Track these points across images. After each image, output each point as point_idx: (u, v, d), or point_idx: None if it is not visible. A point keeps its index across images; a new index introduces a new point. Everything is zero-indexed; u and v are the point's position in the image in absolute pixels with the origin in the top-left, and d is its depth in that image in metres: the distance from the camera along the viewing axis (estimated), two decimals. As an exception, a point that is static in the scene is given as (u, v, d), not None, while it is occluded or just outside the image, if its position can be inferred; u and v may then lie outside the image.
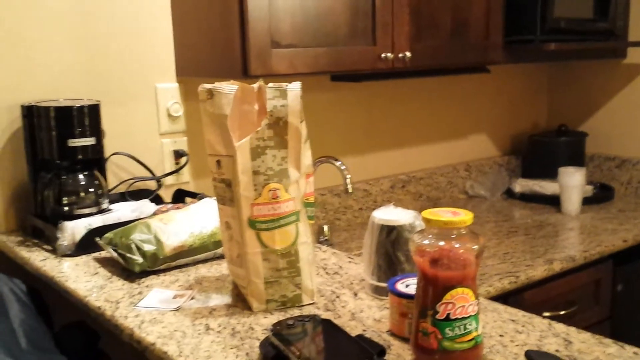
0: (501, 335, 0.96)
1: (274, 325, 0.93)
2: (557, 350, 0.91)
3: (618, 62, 2.55)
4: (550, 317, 1.84)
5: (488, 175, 2.60)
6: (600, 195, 2.44)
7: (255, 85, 1.06)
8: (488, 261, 1.82)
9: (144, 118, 1.76)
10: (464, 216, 0.86)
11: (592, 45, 2.33)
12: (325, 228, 2.04)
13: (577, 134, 2.63)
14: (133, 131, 1.74)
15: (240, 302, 1.12)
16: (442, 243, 0.86)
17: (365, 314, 1.06)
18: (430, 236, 0.87)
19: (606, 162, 2.64)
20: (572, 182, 2.27)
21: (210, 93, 1.04)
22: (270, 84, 1.05)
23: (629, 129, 2.57)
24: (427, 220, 0.87)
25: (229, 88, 1.03)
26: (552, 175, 2.37)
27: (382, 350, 0.90)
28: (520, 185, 2.52)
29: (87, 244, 1.38)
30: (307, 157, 1.08)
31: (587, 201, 2.33)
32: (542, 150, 2.60)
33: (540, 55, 2.27)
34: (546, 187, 2.44)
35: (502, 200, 2.53)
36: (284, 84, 1.05)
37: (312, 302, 1.10)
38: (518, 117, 2.76)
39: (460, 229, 0.86)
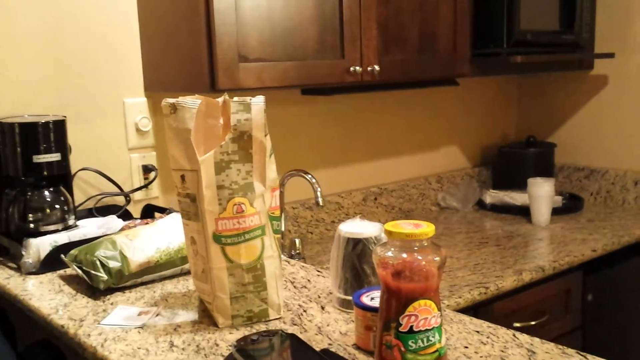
0: (466, 347, 0.97)
1: (238, 341, 0.93)
2: (520, 361, 0.91)
3: (585, 74, 2.60)
4: (521, 328, 1.86)
5: (459, 187, 2.62)
6: (569, 206, 2.48)
7: (220, 99, 1.06)
8: (458, 272, 1.83)
9: (113, 133, 1.74)
10: (426, 228, 0.87)
11: (559, 58, 2.37)
12: (297, 242, 2.03)
13: (545, 145, 2.66)
14: (101, 146, 1.73)
15: (206, 318, 1.11)
16: (404, 255, 0.86)
17: (332, 328, 1.05)
18: (392, 248, 0.87)
19: (575, 173, 2.68)
20: (541, 193, 2.29)
21: (174, 107, 1.03)
22: (235, 98, 1.04)
23: (597, 139, 2.61)
24: (389, 233, 0.87)
25: (192, 102, 1.02)
26: (522, 186, 2.39)
27: (346, 364, 0.90)
28: (491, 196, 2.55)
29: (52, 262, 1.36)
30: (272, 171, 1.08)
31: (556, 212, 2.36)
32: (512, 162, 2.63)
33: (507, 68, 2.30)
34: (516, 197, 2.47)
35: (474, 212, 2.55)
36: (247, 98, 1.05)
37: (278, 316, 1.10)
38: (488, 128, 2.79)
39: (422, 241, 0.86)
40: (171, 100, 1.04)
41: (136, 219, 1.61)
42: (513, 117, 2.87)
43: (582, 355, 0.93)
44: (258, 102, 1.05)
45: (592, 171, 2.63)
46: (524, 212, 2.38)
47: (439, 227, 2.32)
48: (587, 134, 2.64)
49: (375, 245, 1.07)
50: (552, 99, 2.74)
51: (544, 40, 2.26)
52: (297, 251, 1.98)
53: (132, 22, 1.75)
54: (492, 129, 2.80)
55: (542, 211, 2.30)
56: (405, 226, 0.87)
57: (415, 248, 0.86)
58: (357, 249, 1.09)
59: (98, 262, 1.20)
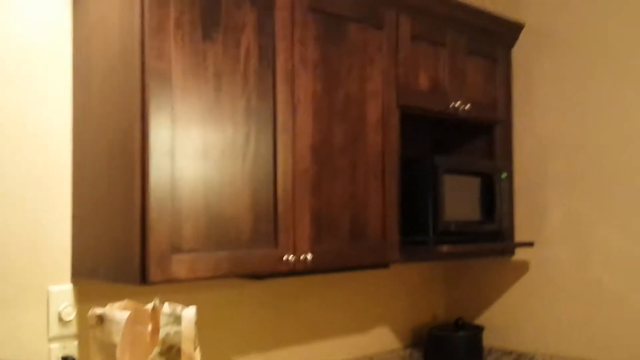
0: None
1: None
2: None
3: (507, 260, 2.72)
4: None
5: (391, 370, 2.58)
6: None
7: (149, 306, 1.04)
8: None
9: (32, 321, 1.66)
10: None
11: (482, 247, 2.48)
12: None
13: (474, 328, 2.70)
14: (19, 335, 1.63)
15: None
16: None
17: None
18: None
19: (504, 357, 2.70)
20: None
21: (101, 319, 1.01)
22: (165, 307, 1.03)
23: (523, 323, 2.68)
24: None
25: (120, 315, 1.00)
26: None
27: None
28: (423, 380, 2.51)
29: None
30: (200, 385, 1.05)
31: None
32: (442, 344, 2.64)
33: (434, 256, 2.39)
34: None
35: (406, 397, 2.49)
36: (178, 308, 1.04)
37: None
38: (418, 309, 2.82)
39: None
40: (98, 311, 1.02)
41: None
42: (442, 299, 2.93)
43: None
44: (189, 313, 1.04)
45: (519, 355, 2.66)
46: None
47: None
48: (513, 318, 2.71)
49: None
50: (477, 283, 2.83)
51: (467, 230, 2.38)
52: None
53: (64, 203, 1.74)
54: (422, 311, 2.84)
55: (473, 399, 2.28)
56: None
57: None
58: None
59: None
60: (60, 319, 1.69)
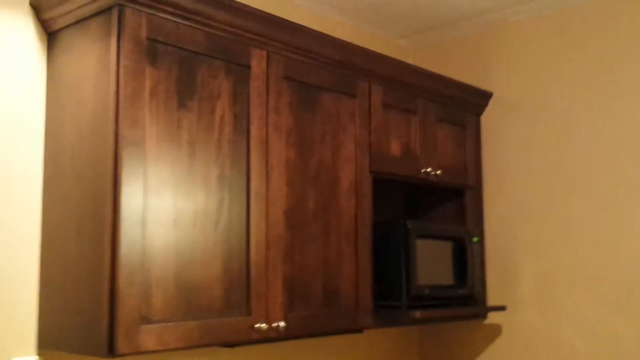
0: None
1: None
2: None
3: (480, 323, 2.72)
4: None
5: None
6: None
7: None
8: None
9: (-6, 395, 1.60)
10: None
11: (455, 312, 2.48)
12: None
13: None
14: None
15: None
16: None
17: None
18: None
19: (478, 423, 2.67)
20: None
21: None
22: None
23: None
24: None
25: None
26: None
27: None
28: None
29: None
30: None
31: None
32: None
33: (407, 320, 2.37)
34: None
35: None
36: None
37: None
38: (392, 375, 2.78)
39: None
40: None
41: None
42: (415, 362, 2.90)
43: None
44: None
45: (494, 421, 2.62)
46: None
47: None
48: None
49: None
50: (451, 347, 2.81)
51: (440, 294, 2.38)
52: None
53: (32, 276, 1.71)
54: (395, 376, 2.80)
55: None
56: None
57: None
58: None
59: None
60: (24, 393, 1.64)
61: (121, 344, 1.49)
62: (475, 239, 2.55)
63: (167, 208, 1.65)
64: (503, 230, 2.69)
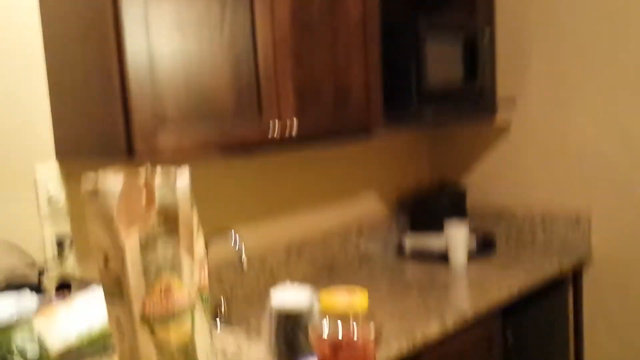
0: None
1: None
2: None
3: (489, 121, 2.74)
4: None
5: (379, 234, 2.67)
6: (483, 248, 2.57)
7: (142, 173, 1.03)
8: (385, 323, 1.85)
9: (22, 203, 1.66)
10: (360, 300, 0.87)
11: (465, 107, 2.48)
12: (223, 304, 1.99)
13: (457, 189, 2.76)
14: (10, 217, 1.64)
15: (135, 402, 1.06)
16: (341, 329, 0.86)
17: (268, 403, 1.03)
18: (329, 322, 0.87)
19: (486, 216, 2.79)
20: (457, 235, 2.37)
21: (94, 192, 1.00)
22: (158, 171, 1.02)
23: (505, 181, 2.74)
24: (325, 309, 0.87)
25: (114, 185, 0.99)
26: (438, 229, 2.48)
27: None
28: (410, 242, 2.61)
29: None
30: (200, 246, 1.06)
31: (471, 254, 2.44)
32: (427, 206, 2.71)
33: (418, 120, 2.38)
34: (433, 242, 2.54)
35: (394, 258, 2.59)
36: (172, 170, 1.03)
37: (212, 394, 1.06)
38: (403, 176, 2.87)
39: (357, 315, 0.87)
40: (91, 184, 1.01)
41: (52, 295, 1.53)
42: (425, 163, 2.97)
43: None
44: (183, 174, 1.03)
45: (501, 212, 2.74)
46: (441, 257, 2.45)
47: (362, 276, 2.35)
48: (496, 177, 2.77)
49: (307, 317, 1.07)
50: (460, 146, 2.86)
51: (451, 90, 2.37)
52: (223, 315, 1.94)
53: (40, 85, 1.69)
54: (406, 176, 2.89)
55: (459, 255, 2.38)
56: (340, 298, 0.87)
57: (351, 322, 0.86)
58: (290, 321, 1.08)
59: (15, 351, 1.13)
60: (50, 199, 1.69)
61: (139, 145, 1.51)
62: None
63: (170, 15, 1.58)
64: (515, 18, 2.59)
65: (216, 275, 2.10)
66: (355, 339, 0.86)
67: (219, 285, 2.12)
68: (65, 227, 1.73)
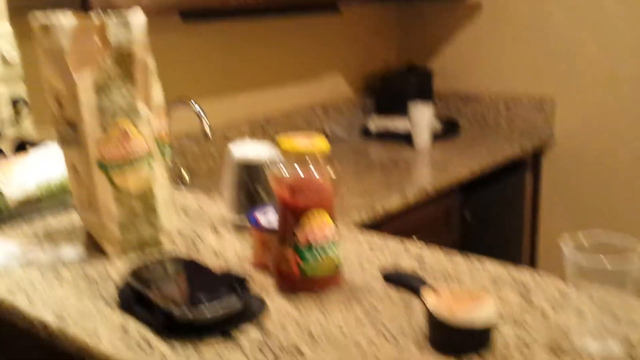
0: (360, 259, 1.00)
1: (133, 268, 0.90)
2: (412, 269, 0.96)
3: (460, 3, 2.67)
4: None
5: (344, 115, 2.66)
6: (447, 130, 2.59)
7: (95, 17, 0.99)
8: (347, 197, 1.87)
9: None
10: (320, 143, 0.87)
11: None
12: (185, 175, 1.99)
13: (424, 71, 2.74)
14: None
15: (94, 250, 1.06)
16: (299, 171, 0.87)
17: (228, 251, 1.05)
18: (288, 165, 0.87)
19: (452, 99, 2.79)
20: (422, 117, 2.37)
21: (45, 27, 0.95)
22: (111, 16, 0.98)
23: (472, 65, 2.72)
24: (284, 151, 0.87)
25: (66, 20, 0.94)
26: (403, 111, 2.47)
27: (244, 281, 0.89)
28: (375, 123, 2.60)
29: None
30: (157, 93, 1.03)
31: (436, 136, 2.46)
32: (393, 88, 2.69)
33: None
34: (398, 124, 2.54)
35: (359, 139, 2.60)
36: (126, 14, 0.98)
37: (171, 243, 1.07)
38: (369, 56, 2.82)
39: (316, 157, 0.86)
40: (42, 19, 0.96)
41: (9, 155, 1.49)
42: (393, 44, 2.92)
43: (465, 256, 0.99)
44: (138, 17, 0.99)
45: (467, 96, 2.74)
46: (405, 138, 2.46)
47: (326, 155, 2.35)
48: (463, 60, 2.75)
49: (267, 167, 1.07)
50: (430, 27, 2.80)
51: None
52: (185, 182, 1.94)
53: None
54: (373, 57, 2.84)
55: (422, 136, 2.39)
56: (299, 141, 0.87)
57: (310, 164, 0.86)
58: (250, 171, 1.08)
59: (-31, 199, 1.12)
60: (4, 60, 1.62)
61: (94, 0, 1.44)
62: None
63: None
64: None
65: (178, 148, 2.08)
66: (313, 180, 0.87)
67: (181, 159, 2.10)
68: (21, 89, 1.67)
